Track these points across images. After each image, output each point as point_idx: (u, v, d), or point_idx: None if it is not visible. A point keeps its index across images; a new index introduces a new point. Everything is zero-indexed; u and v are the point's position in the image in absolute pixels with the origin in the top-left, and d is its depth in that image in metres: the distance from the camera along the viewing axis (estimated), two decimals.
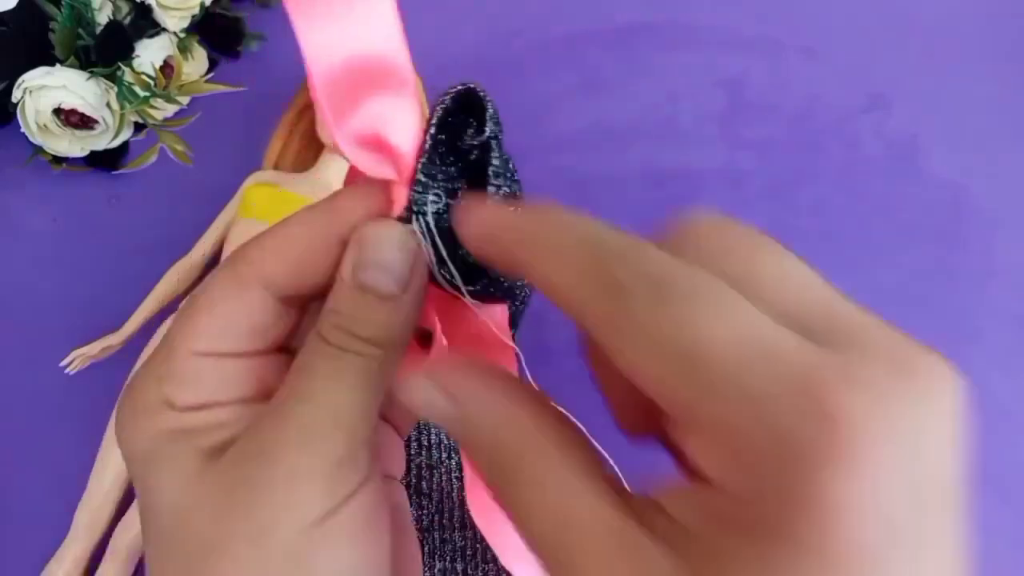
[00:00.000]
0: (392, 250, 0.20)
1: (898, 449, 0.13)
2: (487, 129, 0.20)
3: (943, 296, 0.39)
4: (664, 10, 0.46)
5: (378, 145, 0.20)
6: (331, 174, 0.37)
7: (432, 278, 0.21)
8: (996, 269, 0.39)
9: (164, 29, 0.41)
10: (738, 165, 0.41)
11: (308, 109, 0.39)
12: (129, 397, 0.20)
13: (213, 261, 0.38)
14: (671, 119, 0.43)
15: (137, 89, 0.39)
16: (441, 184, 0.21)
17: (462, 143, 0.21)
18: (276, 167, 0.39)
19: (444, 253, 0.20)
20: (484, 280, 0.21)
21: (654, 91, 0.43)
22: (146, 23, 0.41)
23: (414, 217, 0.20)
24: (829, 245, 0.39)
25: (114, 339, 0.37)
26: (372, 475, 0.20)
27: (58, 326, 0.38)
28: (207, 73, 0.43)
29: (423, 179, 0.20)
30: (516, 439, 0.17)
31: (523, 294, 0.23)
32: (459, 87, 0.20)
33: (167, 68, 0.41)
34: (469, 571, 0.33)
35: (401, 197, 0.20)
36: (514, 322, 0.37)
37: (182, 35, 0.42)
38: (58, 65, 0.39)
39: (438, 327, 0.21)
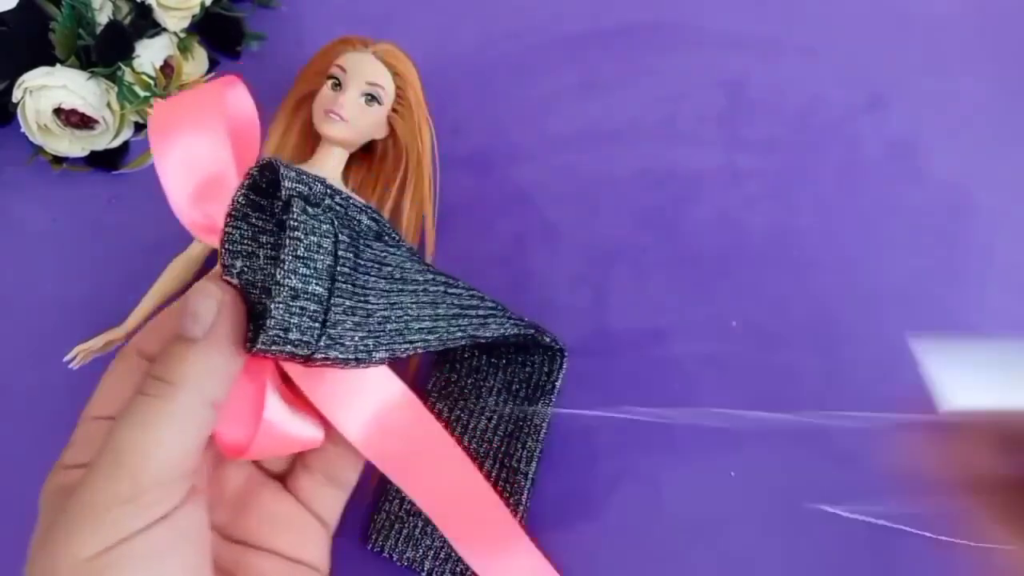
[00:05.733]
0: (199, 300, 0.23)
1: None
2: (282, 192, 0.24)
3: (943, 296, 0.39)
4: (664, 10, 0.46)
5: (210, 228, 0.27)
6: (329, 166, 0.37)
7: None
8: (996, 269, 0.39)
9: (164, 29, 0.41)
10: (738, 165, 0.41)
11: (306, 101, 0.38)
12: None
13: (212, 256, 0.38)
14: (671, 119, 0.43)
15: (137, 89, 0.39)
16: (263, 244, 0.25)
17: (274, 209, 0.25)
18: None
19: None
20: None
21: (654, 91, 0.43)
22: (146, 23, 0.41)
23: (225, 272, 0.24)
24: (829, 245, 0.39)
25: (116, 333, 0.37)
26: (172, 515, 0.21)
27: (58, 327, 0.38)
28: (207, 73, 0.44)
29: (232, 245, 0.25)
30: None
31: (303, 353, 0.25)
32: (263, 163, 0.24)
33: (167, 68, 0.41)
34: None
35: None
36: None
37: (182, 35, 0.42)
38: (58, 65, 0.39)
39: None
